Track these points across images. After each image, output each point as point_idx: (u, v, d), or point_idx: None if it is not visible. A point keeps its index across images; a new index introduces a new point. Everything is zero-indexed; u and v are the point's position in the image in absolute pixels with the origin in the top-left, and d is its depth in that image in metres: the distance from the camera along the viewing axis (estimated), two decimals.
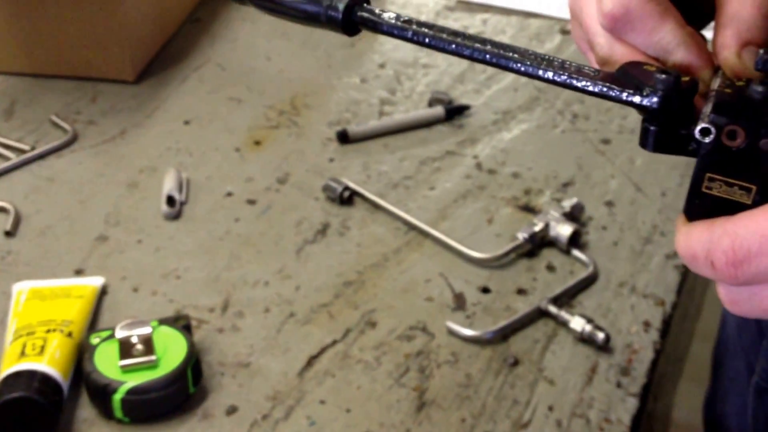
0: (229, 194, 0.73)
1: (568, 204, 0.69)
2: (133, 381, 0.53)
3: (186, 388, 0.55)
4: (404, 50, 0.91)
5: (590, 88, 0.33)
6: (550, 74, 0.34)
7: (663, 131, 0.32)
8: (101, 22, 0.82)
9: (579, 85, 0.33)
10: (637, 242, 0.69)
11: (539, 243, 0.68)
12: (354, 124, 0.80)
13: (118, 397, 0.53)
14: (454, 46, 0.35)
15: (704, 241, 0.31)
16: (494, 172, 0.76)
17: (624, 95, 0.33)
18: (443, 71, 0.88)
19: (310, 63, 0.90)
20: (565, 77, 0.33)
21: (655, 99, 0.32)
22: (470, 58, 0.35)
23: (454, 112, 0.82)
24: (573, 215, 0.69)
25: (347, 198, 0.72)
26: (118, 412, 0.53)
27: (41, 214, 0.71)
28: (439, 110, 0.81)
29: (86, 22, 0.83)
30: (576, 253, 0.67)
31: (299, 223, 0.70)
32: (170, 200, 0.71)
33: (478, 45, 0.34)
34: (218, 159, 0.77)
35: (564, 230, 0.67)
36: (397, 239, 0.69)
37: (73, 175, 0.75)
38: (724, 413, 0.70)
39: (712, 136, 0.31)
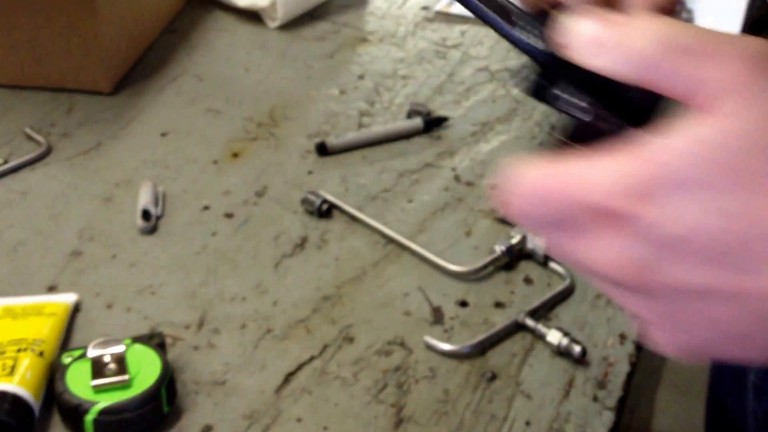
0: (206, 208, 0.73)
1: None
2: (105, 401, 0.52)
3: (160, 407, 0.54)
4: (383, 62, 0.91)
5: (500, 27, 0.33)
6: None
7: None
8: (77, 32, 0.82)
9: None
10: None
11: (517, 255, 0.67)
12: (333, 136, 0.80)
13: (90, 417, 0.52)
14: None
15: None
16: (472, 185, 0.76)
17: (516, 33, 0.33)
18: (422, 83, 0.88)
19: (288, 74, 0.89)
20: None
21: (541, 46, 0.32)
22: None
23: (433, 124, 0.82)
24: None
25: (326, 211, 0.72)
26: None
27: (13, 229, 0.70)
28: (417, 122, 0.81)
29: (61, 32, 0.82)
30: (553, 265, 0.67)
31: (277, 237, 0.70)
32: (146, 214, 0.71)
33: None
34: (195, 172, 0.77)
35: (541, 242, 0.67)
36: (376, 252, 0.69)
37: (47, 189, 0.74)
38: (726, 411, 0.70)
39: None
